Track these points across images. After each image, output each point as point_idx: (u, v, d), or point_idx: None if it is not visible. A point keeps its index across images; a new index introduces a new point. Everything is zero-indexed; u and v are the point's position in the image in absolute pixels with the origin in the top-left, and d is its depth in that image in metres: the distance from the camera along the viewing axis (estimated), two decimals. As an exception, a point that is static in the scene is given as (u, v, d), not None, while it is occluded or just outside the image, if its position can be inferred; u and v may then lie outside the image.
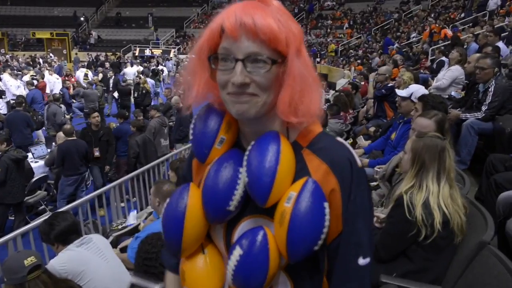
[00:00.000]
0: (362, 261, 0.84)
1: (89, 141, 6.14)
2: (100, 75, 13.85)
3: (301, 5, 27.77)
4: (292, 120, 0.81)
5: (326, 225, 0.79)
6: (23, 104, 8.04)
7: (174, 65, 21.32)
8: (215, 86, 0.86)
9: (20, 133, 7.49)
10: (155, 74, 15.79)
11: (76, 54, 23.85)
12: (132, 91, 11.60)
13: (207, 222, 0.89)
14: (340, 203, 0.82)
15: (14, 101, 8.80)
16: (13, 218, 5.45)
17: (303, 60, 0.82)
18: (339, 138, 0.90)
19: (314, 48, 21.53)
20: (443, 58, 7.29)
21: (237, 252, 0.82)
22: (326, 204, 0.79)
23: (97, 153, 6.24)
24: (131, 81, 13.10)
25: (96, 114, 6.52)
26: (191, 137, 0.92)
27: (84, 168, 5.89)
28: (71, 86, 13.21)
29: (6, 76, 10.65)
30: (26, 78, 11.52)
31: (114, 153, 6.63)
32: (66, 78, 14.07)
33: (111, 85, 12.77)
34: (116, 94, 11.95)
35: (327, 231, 0.79)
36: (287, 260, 0.81)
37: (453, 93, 5.00)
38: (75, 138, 5.89)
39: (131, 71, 16.13)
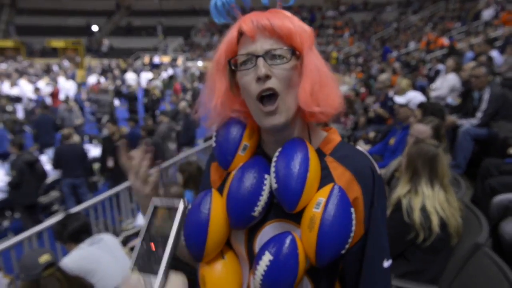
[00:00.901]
0: (386, 263, 0.87)
1: (105, 149, 6.05)
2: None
3: (304, 14, 27.93)
4: (314, 110, 0.82)
5: (353, 230, 0.81)
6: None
7: (183, 71, 21.48)
8: (234, 100, 0.89)
9: (47, 134, 7.86)
10: (171, 78, 15.98)
11: (85, 61, 24.14)
12: (135, 96, 11.73)
13: (229, 227, 0.89)
14: (362, 209, 0.84)
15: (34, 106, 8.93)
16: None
17: (317, 56, 0.86)
18: (358, 146, 0.93)
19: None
20: (440, 66, 7.40)
21: (267, 257, 0.81)
22: (352, 210, 0.81)
23: (110, 163, 5.99)
24: (133, 87, 13.18)
25: (110, 123, 6.32)
26: (214, 145, 0.93)
27: (80, 172, 5.87)
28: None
29: (23, 82, 10.81)
30: (41, 84, 11.65)
31: None
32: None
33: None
34: (117, 101, 12.06)
35: (353, 235, 0.81)
36: (314, 264, 0.82)
37: (449, 100, 5.09)
38: (72, 142, 5.95)
39: (132, 77, 16.38)
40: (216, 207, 0.88)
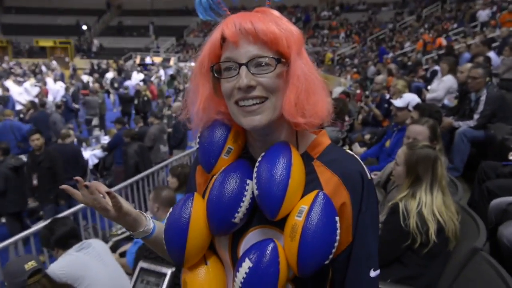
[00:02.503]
0: (373, 273, 0.84)
1: (28, 167, 5.36)
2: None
3: (298, 14, 28.01)
4: (299, 120, 0.80)
5: (337, 239, 0.78)
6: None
7: (174, 72, 21.49)
8: (219, 102, 0.86)
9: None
10: (173, 78, 15.98)
11: (72, 61, 24.02)
12: (131, 98, 11.66)
13: (210, 233, 0.87)
14: (350, 215, 0.81)
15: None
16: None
17: (305, 61, 0.82)
18: (348, 150, 0.90)
19: (310, 56, 21.61)
20: (436, 67, 7.40)
21: (246, 264, 0.80)
22: (337, 218, 0.79)
23: (35, 181, 5.22)
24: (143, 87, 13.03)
25: (36, 136, 5.21)
26: (197, 146, 0.91)
27: (70, 175, 5.40)
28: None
29: (9, 83, 10.70)
30: (27, 85, 11.53)
31: (62, 180, 5.08)
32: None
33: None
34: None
35: (337, 245, 0.79)
36: (296, 273, 0.80)
37: (446, 102, 5.08)
38: (63, 142, 5.84)
39: (110, 76, 16.61)
40: (196, 212, 0.86)
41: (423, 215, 1.91)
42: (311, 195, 0.80)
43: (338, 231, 0.78)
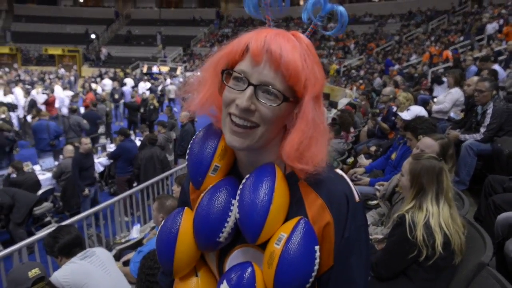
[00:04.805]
0: None
1: None
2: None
3: (305, 26, 28.18)
4: (295, 165, 0.79)
5: (315, 269, 0.77)
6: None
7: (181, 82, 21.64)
8: (219, 101, 0.84)
9: (41, 140, 7.92)
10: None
11: (76, 70, 24.32)
12: (137, 106, 11.70)
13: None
14: (333, 238, 0.80)
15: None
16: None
17: (319, 107, 0.79)
18: (338, 170, 0.88)
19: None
20: (443, 78, 7.40)
21: (224, 286, 0.81)
22: (317, 248, 0.77)
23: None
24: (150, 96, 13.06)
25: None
26: (186, 162, 0.91)
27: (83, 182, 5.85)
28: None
29: (17, 90, 10.81)
30: (35, 92, 11.66)
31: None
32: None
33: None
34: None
35: (315, 274, 0.77)
36: None
37: (452, 115, 5.06)
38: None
39: (107, 83, 16.79)
40: (184, 227, 0.87)
41: (430, 226, 1.89)
42: (292, 222, 0.79)
43: (317, 260, 0.77)
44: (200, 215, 0.84)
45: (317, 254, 0.77)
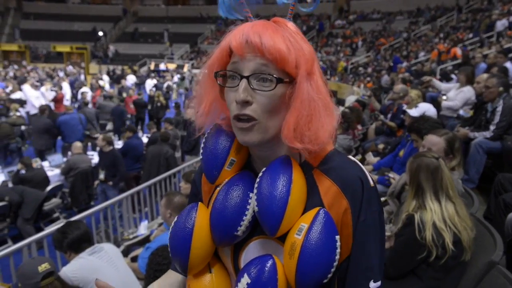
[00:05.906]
0: (373, 284, 0.81)
1: None
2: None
3: (311, 23, 28.08)
4: (296, 145, 0.78)
5: (337, 259, 0.77)
6: (46, 111, 8.31)
7: (188, 80, 21.68)
8: (224, 106, 0.85)
9: (39, 138, 7.89)
10: (183, 79, 16.07)
11: (83, 68, 24.58)
12: (145, 103, 11.76)
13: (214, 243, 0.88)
14: (351, 222, 0.80)
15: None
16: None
17: (315, 83, 0.78)
18: (350, 156, 0.88)
19: (324, 66, 21.70)
20: (452, 76, 7.32)
21: (245, 280, 0.79)
22: (337, 237, 0.77)
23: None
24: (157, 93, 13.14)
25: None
26: (200, 157, 0.90)
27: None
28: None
29: (26, 87, 10.89)
30: (44, 89, 11.74)
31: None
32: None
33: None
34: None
35: (337, 264, 0.77)
36: None
37: (461, 112, 5.01)
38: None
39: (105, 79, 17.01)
40: (200, 222, 0.86)
41: (437, 225, 1.88)
42: (312, 213, 0.79)
43: (338, 250, 0.77)
44: (218, 210, 0.83)
45: (338, 243, 0.77)
